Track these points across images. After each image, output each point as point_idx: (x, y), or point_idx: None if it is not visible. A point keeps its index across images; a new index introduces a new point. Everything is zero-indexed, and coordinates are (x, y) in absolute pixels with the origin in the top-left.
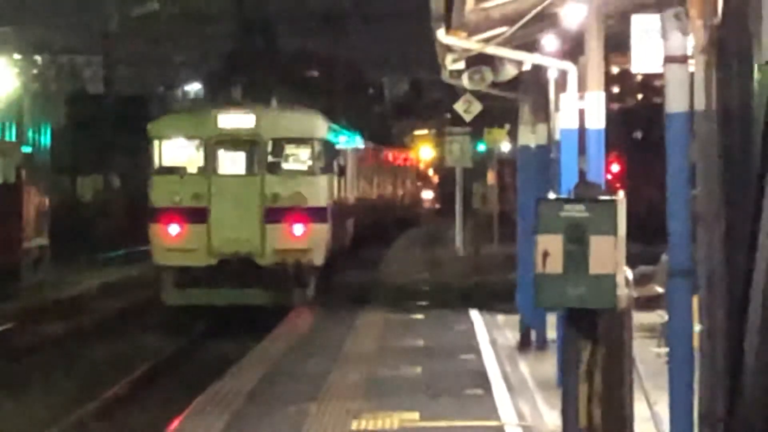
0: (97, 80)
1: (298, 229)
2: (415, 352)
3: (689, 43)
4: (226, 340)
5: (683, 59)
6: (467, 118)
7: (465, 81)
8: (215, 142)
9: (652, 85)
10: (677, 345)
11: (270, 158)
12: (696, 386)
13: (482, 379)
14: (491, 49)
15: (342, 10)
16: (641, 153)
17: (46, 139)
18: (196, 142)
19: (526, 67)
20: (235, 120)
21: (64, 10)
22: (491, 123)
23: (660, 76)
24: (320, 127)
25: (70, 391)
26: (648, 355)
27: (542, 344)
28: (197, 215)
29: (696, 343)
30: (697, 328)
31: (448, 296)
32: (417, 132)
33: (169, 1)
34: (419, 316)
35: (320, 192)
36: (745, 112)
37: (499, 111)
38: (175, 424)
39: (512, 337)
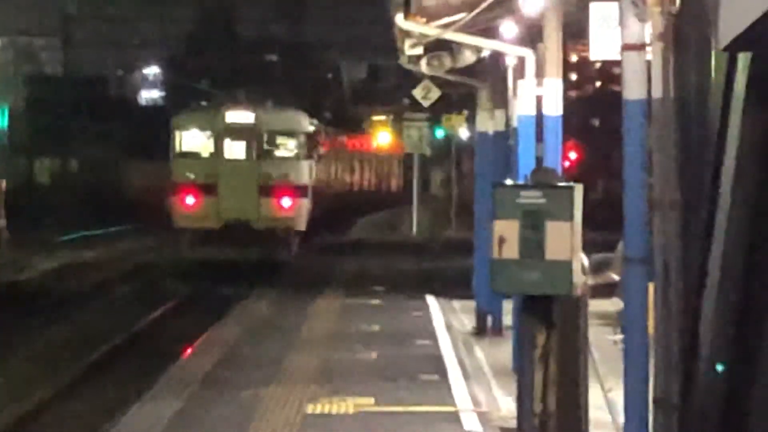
0: (56, 62)
1: (286, 202)
2: (371, 337)
3: (647, 30)
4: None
5: (641, 47)
6: (426, 103)
7: (423, 66)
8: (223, 133)
9: (610, 72)
10: (632, 332)
11: (265, 147)
12: (651, 373)
13: (438, 365)
14: (450, 35)
15: None
16: (599, 140)
17: (3, 121)
18: (208, 132)
19: (485, 54)
20: (238, 116)
21: None
22: (450, 109)
23: (618, 63)
24: (304, 123)
25: (19, 369)
26: (603, 342)
27: (498, 330)
28: (208, 189)
29: (651, 330)
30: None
31: (405, 281)
32: (375, 117)
33: None
34: (376, 302)
35: (303, 174)
36: (703, 99)
37: (457, 97)
38: (131, 409)
39: (468, 322)
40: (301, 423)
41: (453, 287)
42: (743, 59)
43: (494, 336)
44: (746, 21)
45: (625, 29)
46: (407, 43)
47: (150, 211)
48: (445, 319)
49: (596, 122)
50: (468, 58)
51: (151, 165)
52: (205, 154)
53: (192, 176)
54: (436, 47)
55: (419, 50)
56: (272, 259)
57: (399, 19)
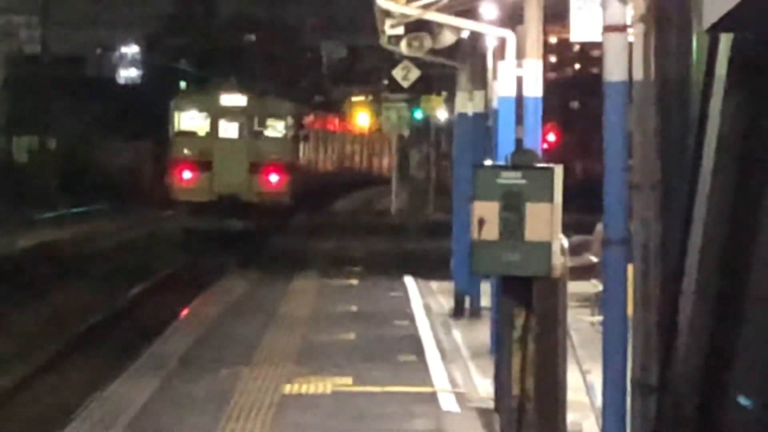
0: (35, 41)
1: (274, 177)
2: (349, 318)
3: (628, 12)
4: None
5: (622, 28)
6: (405, 84)
7: (403, 47)
8: (218, 114)
9: (589, 55)
10: (611, 313)
11: (256, 128)
12: (629, 355)
13: (416, 346)
14: (430, 15)
15: None
16: (578, 123)
17: None
18: (204, 114)
19: (465, 34)
20: (232, 100)
21: None
22: (429, 90)
23: (598, 46)
24: (290, 108)
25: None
26: (582, 324)
27: (476, 312)
28: (204, 166)
29: (630, 311)
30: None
31: (382, 262)
32: (354, 98)
33: None
34: (353, 282)
35: (290, 153)
36: (684, 81)
37: (437, 78)
38: (109, 387)
39: (446, 304)
40: (279, 402)
41: (431, 268)
42: (725, 41)
43: (472, 317)
44: (730, 2)
45: (606, 10)
46: (387, 23)
47: (128, 189)
48: (423, 300)
49: (575, 105)
50: (448, 38)
51: (129, 144)
52: (202, 133)
53: (189, 153)
54: (417, 28)
55: (399, 30)
56: (259, 230)
57: None
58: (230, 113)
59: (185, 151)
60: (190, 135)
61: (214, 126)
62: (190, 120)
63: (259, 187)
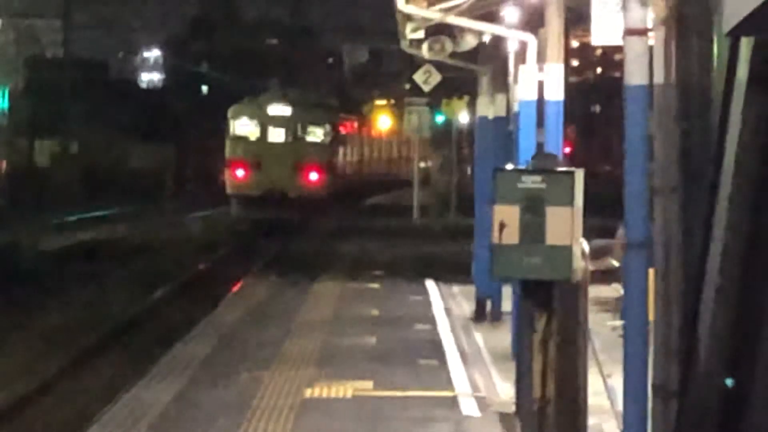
0: (57, 44)
1: (313, 175)
2: (370, 322)
3: (649, 15)
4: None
5: (643, 32)
6: (426, 88)
7: (425, 51)
8: (266, 122)
9: (611, 59)
10: (632, 317)
11: (298, 133)
12: (650, 360)
13: (437, 350)
14: (451, 19)
15: None
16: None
17: (3, 103)
18: (255, 121)
19: (486, 38)
20: (279, 109)
21: None
22: (451, 94)
23: (619, 49)
24: (328, 116)
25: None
26: (603, 329)
27: (497, 316)
28: (254, 165)
29: (651, 316)
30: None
31: (405, 265)
32: (377, 102)
33: None
34: (375, 285)
35: (327, 155)
36: (705, 85)
37: (459, 82)
38: (131, 391)
39: (467, 307)
40: (300, 406)
41: (453, 272)
42: (746, 44)
43: (493, 321)
44: (751, 5)
45: (627, 14)
46: (408, 27)
47: (151, 192)
48: (445, 304)
49: (596, 108)
50: (469, 42)
51: (152, 147)
52: (253, 138)
53: (242, 154)
54: (438, 31)
55: (420, 34)
56: (301, 220)
57: (400, 2)
58: (277, 121)
59: (239, 152)
60: (243, 139)
61: (263, 132)
62: (243, 127)
63: (300, 183)
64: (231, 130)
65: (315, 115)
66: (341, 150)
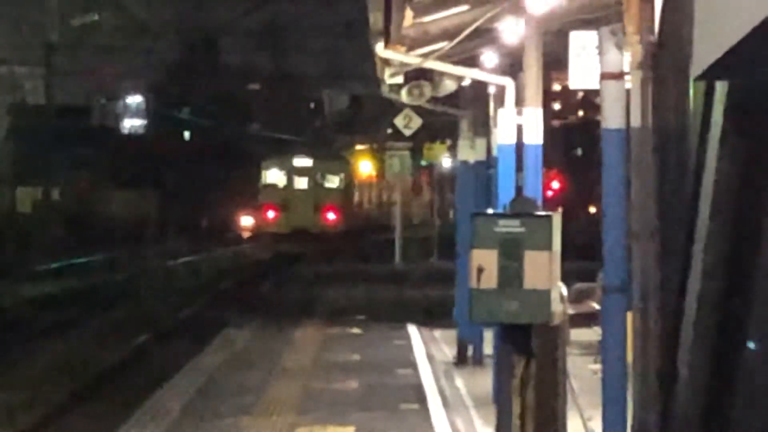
0: (39, 91)
1: (331, 216)
2: (352, 366)
3: (626, 59)
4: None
5: (620, 75)
6: (407, 133)
7: (404, 96)
8: (292, 172)
9: (592, 102)
10: (610, 360)
11: (319, 181)
12: (629, 402)
13: (418, 394)
14: (430, 64)
15: (282, 26)
16: (582, 170)
17: None
18: (283, 171)
19: (466, 82)
20: (302, 162)
21: (3, 19)
22: (433, 138)
23: (599, 93)
24: (344, 167)
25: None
26: (584, 372)
27: (479, 360)
28: (282, 207)
29: (629, 358)
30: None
31: (386, 310)
32: (358, 146)
33: (111, 12)
34: (356, 330)
35: (342, 198)
36: (681, 128)
37: (440, 126)
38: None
39: (449, 352)
40: None
41: (434, 316)
42: (720, 88)
43: (475, 366)
44: (720, 50)
45: (603, 57)
46: (387, 72)
47: (134, 238)
48: (426, 348)
49: (578, 152)
50: (449, 87)
51: (133, 193)
52: (281, 185)
53: (272, 198)
54: (417, 76)
55: (400, 79)
56: (322, 252)
57: (379, 48)
58: (301, 171)
59: (269, 197)
60: (273, 186)
61: (289, 179)
62: (273, 175)
63: (320, 222)
64: (263, 179)
65: (333, 165)
66: (357, 192)
